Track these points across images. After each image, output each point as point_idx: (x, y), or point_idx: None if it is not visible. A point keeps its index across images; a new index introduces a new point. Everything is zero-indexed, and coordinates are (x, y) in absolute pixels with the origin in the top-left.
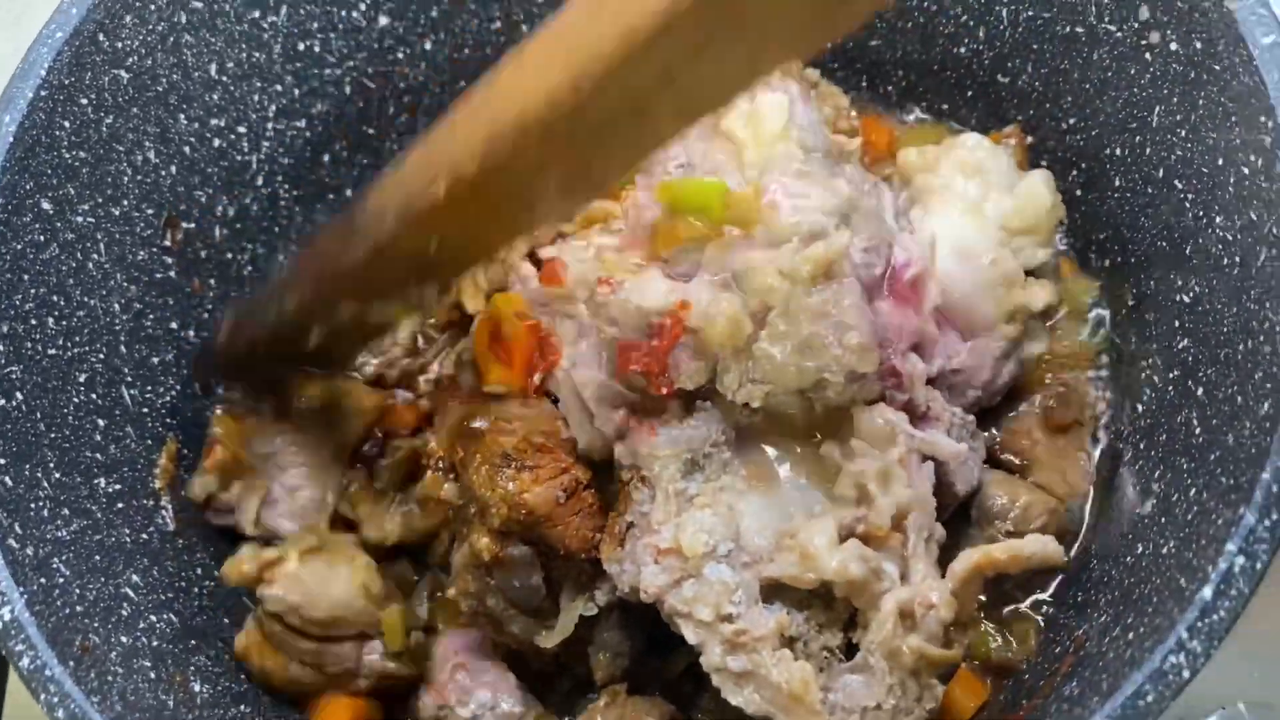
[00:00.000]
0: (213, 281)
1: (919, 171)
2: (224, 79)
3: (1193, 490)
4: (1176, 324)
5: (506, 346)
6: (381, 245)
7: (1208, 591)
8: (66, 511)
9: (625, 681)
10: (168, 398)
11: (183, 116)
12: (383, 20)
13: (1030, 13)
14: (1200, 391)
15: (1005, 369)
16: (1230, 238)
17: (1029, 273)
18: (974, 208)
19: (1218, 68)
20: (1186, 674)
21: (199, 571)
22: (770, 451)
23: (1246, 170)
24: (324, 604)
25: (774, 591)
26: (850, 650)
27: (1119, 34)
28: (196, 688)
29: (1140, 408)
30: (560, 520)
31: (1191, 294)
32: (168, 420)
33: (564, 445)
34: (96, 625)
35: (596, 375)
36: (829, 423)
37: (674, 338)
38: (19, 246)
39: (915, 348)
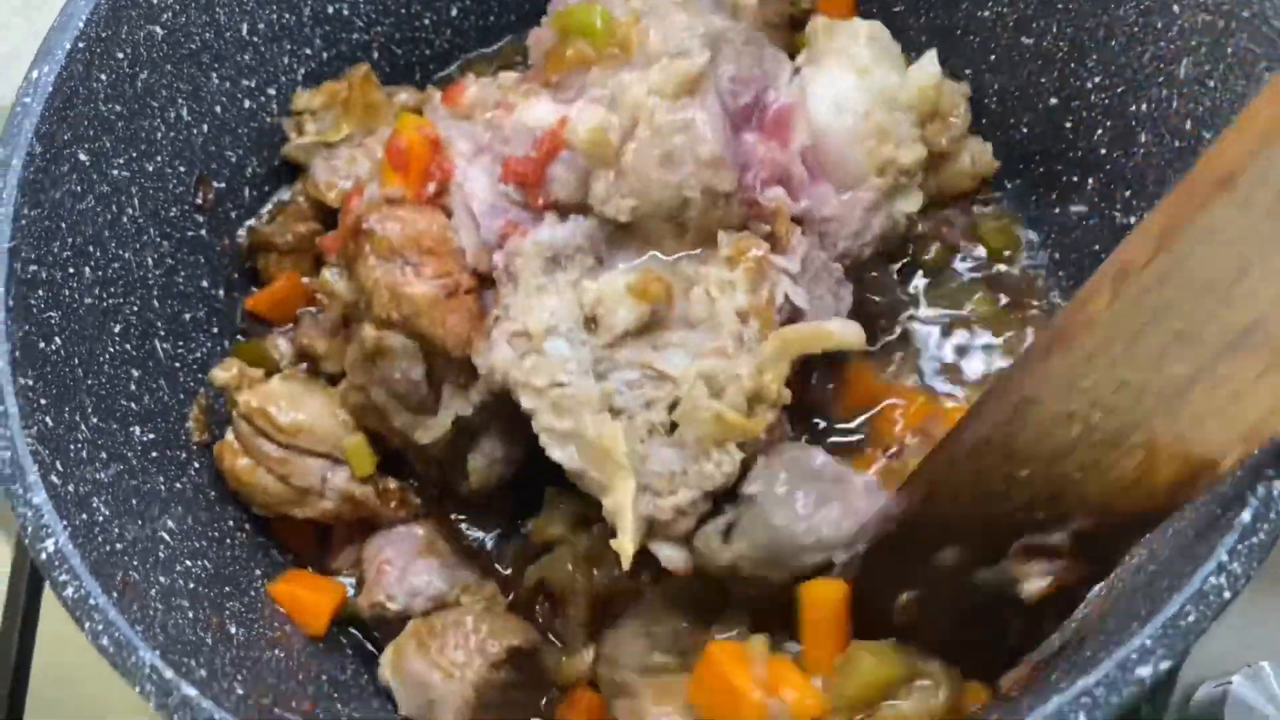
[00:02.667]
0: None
1: (820, 36)
2: (255, 40)
3: None
4: None
5: (404, 156)
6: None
7: (1247, 515)
8: (104, 455)
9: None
10: (199, 353)
11: (215, 75)
12: None
13: None
14: None
15: (874, 221)
16: None
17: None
18: (862, 69)
19: (1246, 14)
20: (1227, 594)
21: (230, 523)
22: (637, 260)
23: None
24: (292, 413)
25: (608, 371)
26: (675, 427)
27: None
28: (232, 630)
29: None
30: (439, 316)
31: None
32: (199, 376)
33: (453, 254)
34: (136, 563)
35: (485, 190)
36: (698, 244)
37: (550, 151)
38: (57, 195)
39: (781, 181)
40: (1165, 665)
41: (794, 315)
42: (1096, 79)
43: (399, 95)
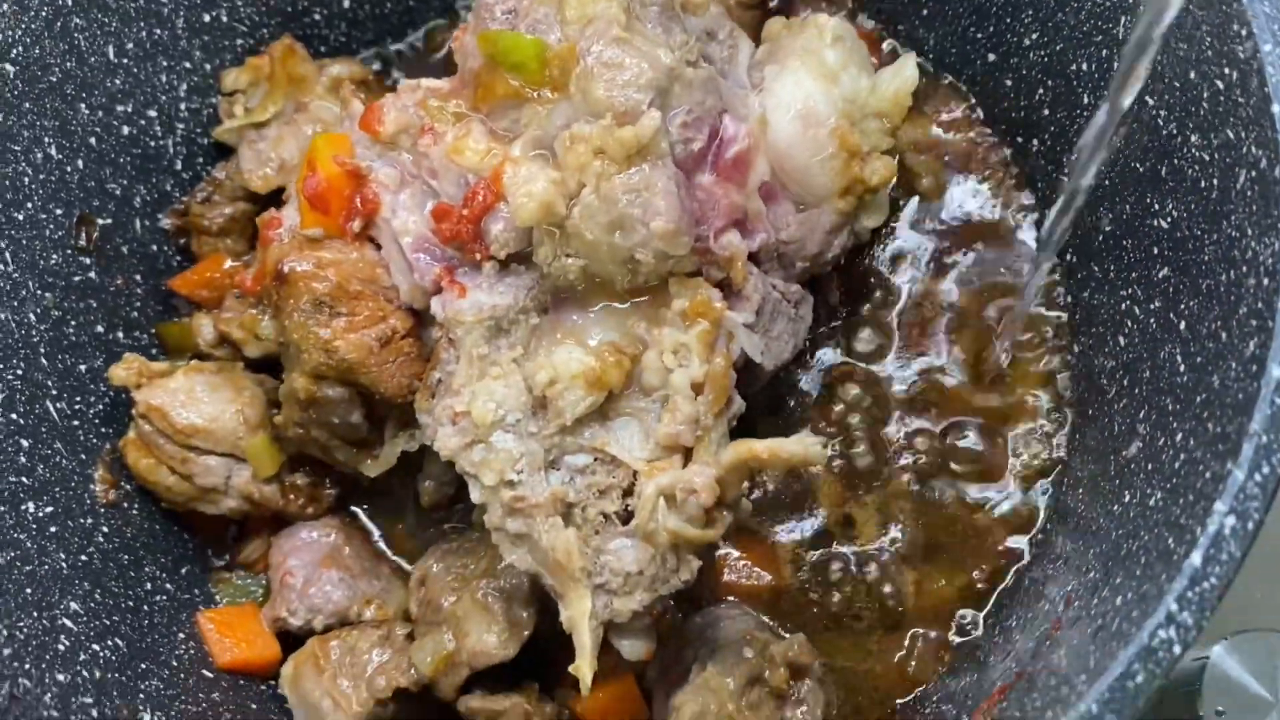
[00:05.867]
0: (138, 277)
1: (781, 34)
2: (125, 61)
3: (1179, 435)
4: (1155, 251)
5: (323, 195)
6: None
7: (1197, 557)
8: None
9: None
10: (99, 406)
11: (83, 106)
12: None
13: None
14: (1183, 325)
15: (835, 242)
16: (1207, 158)
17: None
18: (830, 74)
19: None
20: (1177, 649)
21: (148, 587)
22: (587, 317)
23: (1221, 85)
24: (190, 414)
25: (559, 458)
26: (630, 516)
27: None
28: (147, 717)
29: (1123, 340)
30: (375, 367)
31: (1169, 219)
32: (102, 430)
33: (385, 292)
34: (29, 667)
35: (417, 225)
36: (650, 288)
37: (486, 207)
38: None
39: (737, 224)
40: None
41: (748, 364)
42: (1034, 35)
43: (331, 68)
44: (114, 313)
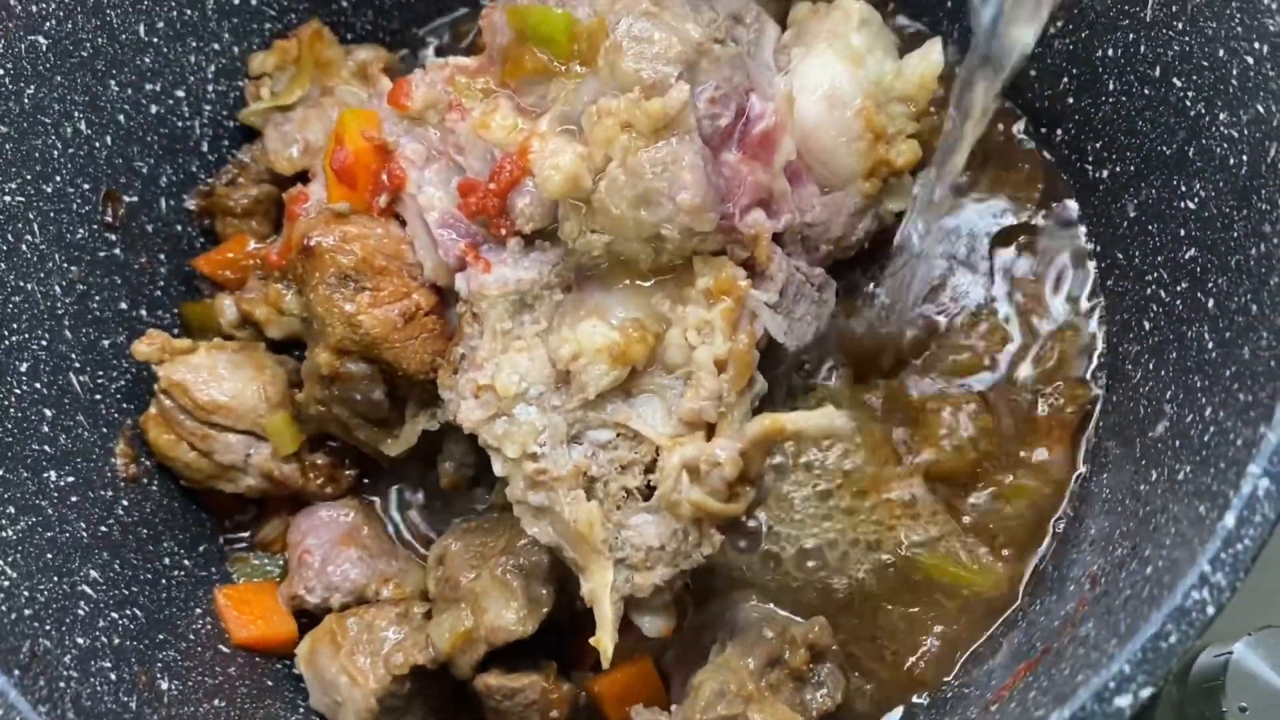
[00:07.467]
0: (162, 256)
1: (808, 17)
2: (155, 40)
3: (1208, 409)
4: (1182, 233)
5: (350, 168)
6: None
7: (1230, 519)
8: (12, 510)
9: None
10: (121, 382)
11: (113, 83)
12: None
13: None
14: (1211, 304)
15: (860, 225)
16: (1236, 135)
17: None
18: (855, 57)
19: None
20: (1211, 610)
21: (166, 562)
22: (610, 295)
23: (1251, 60)
24: (212, 390)
25: (582, 432)
26: (652, 491)
27: None
28: (164, 685)
29: (1148, 325)
30: (398, 343)
31: (1197, 199)
32: (124, 405)
33: (409, 269)
34: (49, 628)
35: (442, 201)
36: (674, 268)
37: (512, 181)
38: None
39: (762, 203)
40: (1147, 693)
41: (771, 346)
42: (1059, 24)
43: (357, 53)
44: (138, 290)
